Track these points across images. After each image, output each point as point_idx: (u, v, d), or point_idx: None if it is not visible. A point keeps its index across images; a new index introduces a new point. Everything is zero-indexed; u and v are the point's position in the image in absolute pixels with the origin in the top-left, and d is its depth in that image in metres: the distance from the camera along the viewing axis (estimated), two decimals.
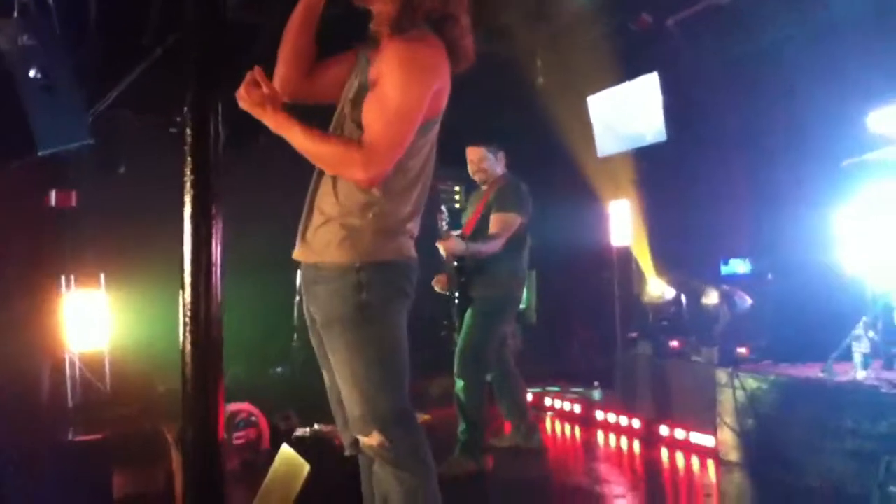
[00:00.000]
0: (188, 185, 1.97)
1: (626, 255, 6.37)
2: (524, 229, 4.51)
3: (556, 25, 6.43)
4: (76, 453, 4.62)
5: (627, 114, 6.47)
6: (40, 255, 5.91)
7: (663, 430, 4.93)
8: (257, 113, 2.11)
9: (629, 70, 6.34)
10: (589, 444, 5.19)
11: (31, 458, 4.18)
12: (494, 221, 4.40)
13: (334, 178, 2.20)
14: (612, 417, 5.44)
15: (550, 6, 6.19)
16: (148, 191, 6.56)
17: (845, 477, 3.63)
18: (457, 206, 7.65)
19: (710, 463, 4.43)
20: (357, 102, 2.17)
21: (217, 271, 1.96)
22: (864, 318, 3.99)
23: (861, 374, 3.89)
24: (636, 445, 5.02)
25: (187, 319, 1.95)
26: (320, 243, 2.20)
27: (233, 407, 4.44)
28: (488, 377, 4.56)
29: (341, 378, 2.18)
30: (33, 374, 5.82)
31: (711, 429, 4.50)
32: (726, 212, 5.48)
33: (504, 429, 5.03)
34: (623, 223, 6.36)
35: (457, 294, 4.48)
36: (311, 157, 2.15)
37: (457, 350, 4.42)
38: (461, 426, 4.36)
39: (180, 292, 1.96)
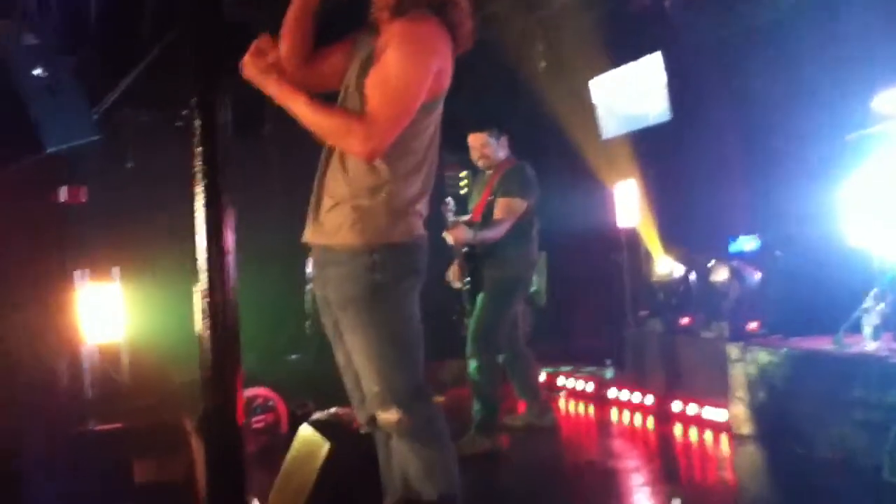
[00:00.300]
0: (199, 175, 2.01)
1: (634, 236, 6.39)
2: (531, 212, 4.55)
3: (555, 8, 6.43)
4: (96, 443, 4.69)
5: (631, 95, 6.47)
6: (53, 252, 5.98)
7: (676, 406, 4.97)
8: (261, 81, 2.14)
9: (632, 51, 6.34)
10: (602, 422, 5.25)
11: (51, 449, 4.25)
12: (499, 206, 4.44)
13: (343, 161, 2.24)
14: (624, 395, 5.48)
15: None
16: (156, 184, 6.62)
17: (857, 447, 3.65)
18: (462, 192, 7.67)
19: (723, 437, 4.47)
20: (362, 77, 2.20)
21: (231, 259, 2.01)
22: (874, 290, 4.01)
23: (871, 346, 3.92)
24: (649, 421, 5.07)
25: (204, 307, 1.99)
26: (332, 226, 2.23)
27: (250, 392, 4.50)
28: (500, 358, 4.61)
29: (358, 357, 2.23)
30: (51, 367, 5.89)
31: (723, 403, 4.54)
32: (732, 189, 5.48)
33: (518, 408, 5.08)
34: (629, 204, 6.37)
35: (468, 280, 4.52)
36: (313, 128, 2.18)
37: (469, 332, 4.47)
38: (475, 406, 4.41)
39: (195, 281, 2.00)
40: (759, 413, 4.28)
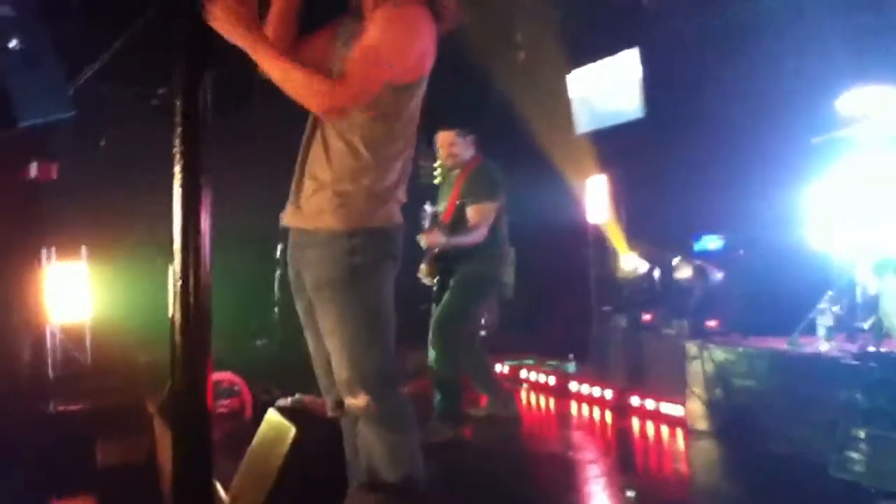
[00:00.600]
0: (178, 155, 2.02)
1: (602, 231, 6.48)
2: (501, 210, 4.61)
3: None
4: (58, 424, 4.67)
5: (606, 91, 6.53)
6: (20, 227, 5.92)
7: (635, 400, 5.07)
8: (231, 31, 2.04)
9: (609, 46, 6.40)
10: (563, 414, 5.33)
11: (12, 428, 4.23)
12: (472, 214, 4.49)
13: (327, 145, 2.27)
14: (585, 388, 5.58)
15: None
16: (128, 163, 6.58)
17: (808, 444, 3.76)
18: (436, 181, 7.71)
19: (679, 431, 4.57)
20: (347, 51, 2.24)
21: (206, 241, 2.03)
22: (829, 293, 4.13)
23: (824, 346, 4.03)
24: (608, 415, 5.16)
25: (178, 289, 2.01)
26: (313, 210, 2.27)
27: (216, 376, 4.51)
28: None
29: (330, 340, 2.26)
30: (14, 346, 5.85)
31: (681, 399, 4.64)
32: (700, 188, 5.57)
33: (480, 400, 5.14)
34: (600, 199, 6.46)
35: (438, 279, 4.58)
36: (280, 81, 2.15)
37: (432, 321, 4.52)
38: (437, 395, 4.47)
39: (169, 262, 2.02)
40: (715, 409, 4.39)
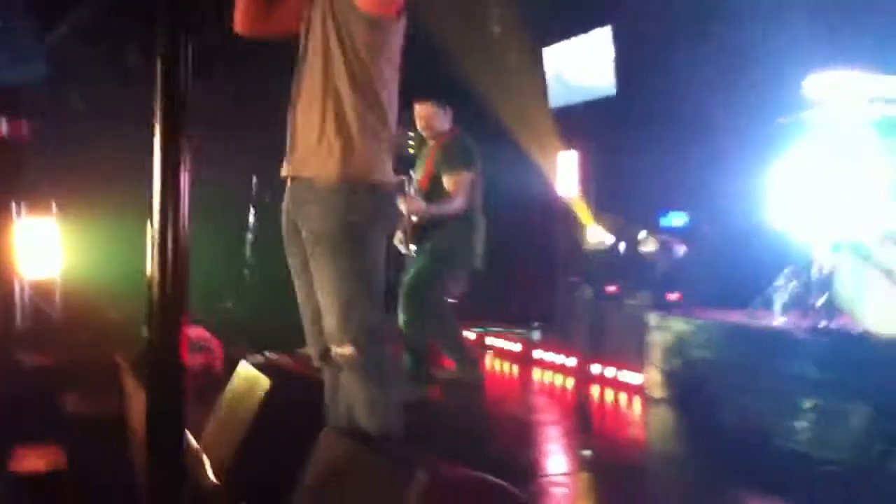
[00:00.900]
0: (158, 114, 2.07)
1: (569, 205, 6.58)
2: (475, 180, 4.68)
3: None
4: (25, 376, 4.69)
5: (580, 66, 6.60)
6: None
7: (596, 368, 5.21)
8: None
9: (583, 23, 6.46)
10: (526, 380, 5.47)
11: None
12: (449, 183, 4.57)
13: (325, 96, 2.31)
14: (549, 356, 5.71)
15: None
16: (101, 121, 6.54)
17: (759, 413, 3.90)
18: (411, 150, 7.76)
19: (637, 398, 4.73)
20: None
21: (185, 200, 2.09)
22: (786, 270, 4.27)
23: (780, 320, 4.18)
24: (570, 382, 5.31)
25: (155, 246, 2.07)
26: (315, 160, 2.33)
27: (188, 332, 4.53)
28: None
29: (323, 292, 2.34)
30: None
31: (641, 367, 4.79)
32: (668, 165, 5.67)
33: (446, 363, 5.25)
34: (570, 173, 6.55)
35: (416, 247, 4.65)
36: None
37: (403, 286, 4.61)
38: (405, 357, 4.57)
39: (144, 220, 2.08)
40: (672, 378, 4.53)
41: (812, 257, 4.14)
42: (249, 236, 7.47)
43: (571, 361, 5.49)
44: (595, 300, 5.68)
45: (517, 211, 6.81)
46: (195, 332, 4.64)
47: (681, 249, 5.32)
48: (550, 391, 5.15)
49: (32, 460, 3.13)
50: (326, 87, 2.32)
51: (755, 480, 3.32)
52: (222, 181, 6.20)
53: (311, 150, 2.33)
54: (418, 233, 4.62)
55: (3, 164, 6.01)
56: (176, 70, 2.08)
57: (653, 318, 4.69)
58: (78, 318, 6.07)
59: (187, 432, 2.88)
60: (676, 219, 5.75)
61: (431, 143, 4.77)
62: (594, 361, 5.26)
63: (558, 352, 5.65)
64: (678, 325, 4.52)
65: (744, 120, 5.13)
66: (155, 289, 2.08)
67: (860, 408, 3.35)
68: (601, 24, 6.34)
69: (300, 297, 2.53)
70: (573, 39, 6.62)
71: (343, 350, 2.33)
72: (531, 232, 7.08)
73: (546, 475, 3.42)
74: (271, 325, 5.92)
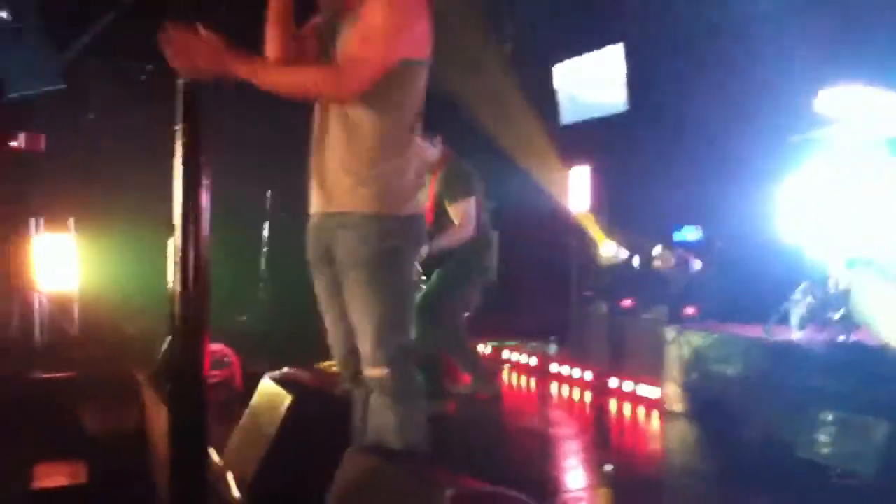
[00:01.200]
0: (180, 131, 2.10)
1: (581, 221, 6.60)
2: (479, 202, 4.70)
3: None
4: (44, 391, 4.71)
5: (591, 83, 6.64)
6: (8, 198, 5.94)
7: (613, 382, 5.21)
8: (217, 69, 2.09)
9: (595, 40, 6.49)
10: (543, 394, 5.46)
11: None
12: (454, 213, 4.58)
13: (348, 126, 2.32)
14: (565, 370, 5.71)
15: None
16: (117, 136, 6.60)
17: (778, 427, 3.89)
18: None
19: (655, 413, 4.72)
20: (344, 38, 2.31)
21: (205, 216, 2.11)
22: (804, 284, 4.25)
23: (797, 335, 4.17)
24: (587, 396, 5.30)
25: (177, 262, 2.09)
26: (350, 196, 2.34)
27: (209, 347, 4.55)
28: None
29: (358, 317, 2.35)
30: (1, 314, 5.88)
31: (658, 382, 4.78)
32: (681, 181, 5.67)
33: (464, 378, 5.25)
34: (583, 189, 6.58)
35: (423, 279, 4.67)
36: (287, 88, 2.25)
37: (418, 301, 4.61)
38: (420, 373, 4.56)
39: (164, 235, 2.10)
40: (690, 392, 4.53)
41: (828, 272, 4.14)
42: (264, 250, 7.50)
43: (588, 375, 5.48)
44: (610, 315, 5.67)
45: (533, 227, 6.83)
46: (216, 347, 4.67)
47: (697, 264, 5.31)
48: (568, 405, 5.14)
49: (54, 476, 3.15)
50: (353, 123, 2.33)
51: (774, 494, 3.30)
52: (237, 195, 6.22)
53: (344, 186, 2.34)
54: (428, 265, 4.63)
55: (21, 177, 6.06)
56: (197, 88, 2.12)
57: (670, 333, 4.69)
58: (95, 332, 6.10)
59: (210, 448, 2.90)
60: (690, 233, 5.74)
61: (427, 176, 4.73)
62: (611, 375, 5.25)
63: (575, 366, 5.64)
64: (695, 339, 4.51)
65: (756, 136, 5.13)
66: (177, 304, 2.11)
67: (879, 421, 3.34)
68: (613, 41, 6.36)
69: (328, 321, 2.55)
70: (585, 56, 6.65)
71: (377, 373, 2.35)
72: (546, 247, 7.08)
73: (566, 490, 3.41)
74: (287, 338, 5.94)
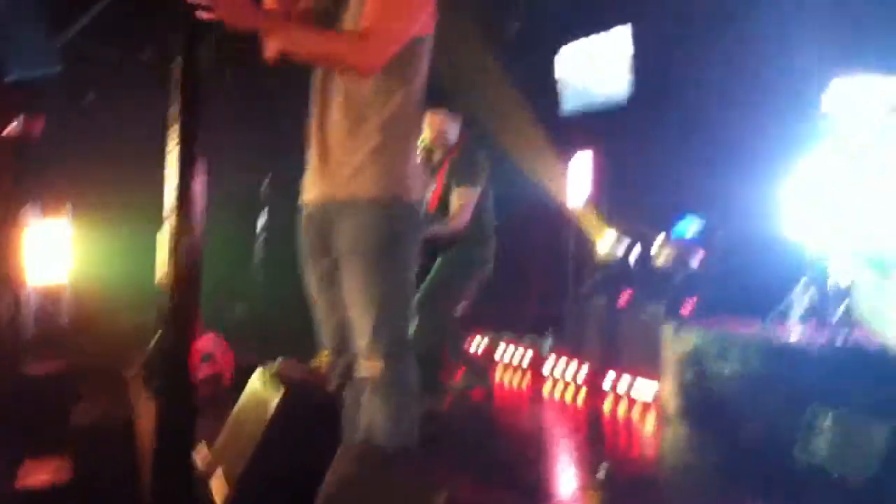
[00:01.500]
0: (175, 118, 2.05)
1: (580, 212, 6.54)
2: (485, 193, 4.63)
3: None
4: (33, 385, 4.66)
5: (596, 67, 6.55)
6: (3, 182, 5.86)
7: (609, 379, 5.16)
8: (245, 20, 2.09)
9: (602, 22, 6.43)
10: (537, 390, 5.42)
11: None
12: (455, 198, 4.50)
13: (350, 108, 2.27)
14: (560, 365, 5.66)
15: None
16: (116, 120, 6.53)
17: (776, 427, 3.84)
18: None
19: (652, 410, 4.67)
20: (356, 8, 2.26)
21: (198, 207, 2.06)
22: (804, 279, 4.21)
23: (797, 333, 4.12)
24: (582, 392, 5.25)
25: (168, 253, 2.04)
26: (351, 183, 2.28)
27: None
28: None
29: (356, 306, 2.29)
30: None
31: (655, 379, 4.73)
32: (682, 171, 5.61)
33: (456, 374, 5.20)
34: (582, 179, 6.51)
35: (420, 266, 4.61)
36: (314, 52, 2.22)
37: (419, 297, 4.56)
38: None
39: (160, 224, 2.05)
40: (687, 390, 4.47)
41: (829, 269, 4.10)
42: (261, 238, 7.42)
43: (584, 371, 5.44)
44: (606, 309, 5.62)
45: (530, 219, 6.77)
46: (206, 338, 4.61)
47: (696, 259, 5.26)
48: (562, 402, 5.09)
49: (38, 472, 3.10)
50: (355, 110, 2.28)
51: (772, 495, 3.28)
52: (233, 181, 6.17)
53: (347, 171, 2.28)
54: (427, 251, 4.58)
55: (17, 161, 5.99)
56: (193, 76, 2.07)
57: (667, 330, 4.64)
58: (86, 324, 6.05)
59: (201, 441, 2.86)
60: (691, 224, 5.69)
61: (438, 157, 4.67)
62: (607, 371, 5.20)
63: (570, 361, 5.59)
64: (693, 336, 4.46)
65: (762, 125, 5.07)
66: (167, 296, 2.06)
67: (880, 422, 3.30)
68: (621, 22, 6.29)
69: (321, 312, 2.49)
70: (592, 37, 6.56)
71: (372, 366, 2.29)
72: (544, 239, 7.03)
73: (559, 490, 3.37)
74: (282, 330, 5.88)
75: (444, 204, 4.57)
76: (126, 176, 6.01)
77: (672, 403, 4.56)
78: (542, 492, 3.20)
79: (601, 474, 3.43)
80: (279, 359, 4.39)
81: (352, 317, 2.32)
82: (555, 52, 6.89)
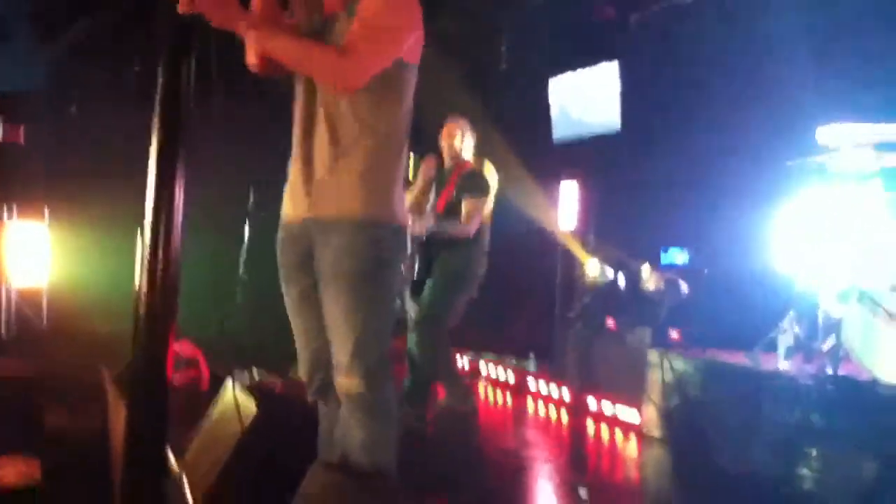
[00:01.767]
0: (156, 128, 2.00)
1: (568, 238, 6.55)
2: (490, 210, 4.64)
3: (525, 9, 6.51)
4: (7, 388, 4.58)
5: (585, 100, 6.58)
6: None
7: (592, 403, 5.11)
8: (230, 21, 2.07)
9: (591, 57, 6.45)
10: (519, 411, 5.36)
11: None
12: (465, 207, 4.50)
13: (335, 128, 2.23)
14: (543, 387, 5.61)
15: None
16: (98, 130, 6.49)
17: (759, 459, 3.79)
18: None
19: (634, 436, 4.63)
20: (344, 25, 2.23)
21: (178, 216, 2.00)
22: (791, 312, 4.19)
23: (783, 365, 4.09)
24: (564, 415, 5.20)
25: (147, 260, 1.98)
26: (336, 202, 2.24)
27: (175, 347, 4.44)
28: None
29: (337, 326, 2.24)
30: None
31: (638, 405, 4.69)
32: (670, 202, 5.63)
33: (438, 393, 5.14)
34: (571, 206, 6.52)
35: (419, 268, 4.58)
36: (292, 58, 2.17)
37: (419, 308, 4.52)
38: (407, 380, 4.47)
39: (140, 233, 2.00)
40: (671, 417, 4.43)
41: (818, 302, 4.08)
42: (243, 249, 7.34)
43: (566, 393, 5.39)
44: (592, 334, 5.58)
45: (519, 242, 6.75)
46: (182, 346, 4.54)
47: (684, 287, 5.24)
48: (545, 425, 5.03)
49: (6, 472, 3.03)
50: (343, 124, 2.24)
51: None
52: (216, 191, 6.11)
53: (332, 191, 2.24)
54: (426, 254, 4.55)
55: None
56: (175, 87, 2.02)
57: (653, 356, 4.60)
58: (64, 328, 5.98)
59: (169, 451, 2.78)
60: (678, 255, 5.69)
61: (449, 167, 4.68)
62: (590, 396, 5.16)
63: (553, 384, 5.55)
64: (678, 363, 4.43)
65: (749, 161, 5.09)
66: (142, 303, 2.00)
67: (866, 456, 3.26)
68: (608, 58, 6.32)
69: (298, 329, 2.43)
70: (580, 71, 6.59)
71: (350, 385, 2.23)
72: (532, 263, 7.01)
73: None
74: (261, 342, 5.82)
75: (448, 213, 4.57)
76: (104, 181, 5.96)
77: (655, 428, 4.52)
78: None
79: (581, 498, 3.38)
80: (255, 370, 4.34)
81: (331, 336, 2.27)
82: (544, 82, 6.91)
